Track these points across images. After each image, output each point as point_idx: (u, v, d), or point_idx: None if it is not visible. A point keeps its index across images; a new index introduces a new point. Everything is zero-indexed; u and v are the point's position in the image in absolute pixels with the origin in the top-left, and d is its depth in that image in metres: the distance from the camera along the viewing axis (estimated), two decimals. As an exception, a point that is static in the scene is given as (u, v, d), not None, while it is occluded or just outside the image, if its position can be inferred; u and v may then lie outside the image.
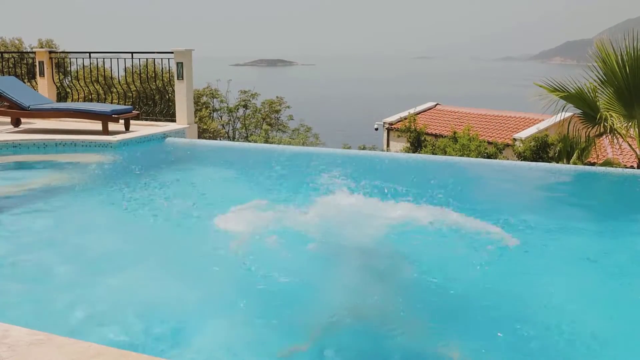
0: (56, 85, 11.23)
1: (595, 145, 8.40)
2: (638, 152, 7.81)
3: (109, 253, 4.43)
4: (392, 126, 23.17)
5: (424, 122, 17.38)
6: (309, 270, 4.23)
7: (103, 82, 13.10)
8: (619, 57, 7.32)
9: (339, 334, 3.28)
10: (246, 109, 25.35)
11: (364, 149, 16.97)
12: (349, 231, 4.87)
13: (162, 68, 11.35)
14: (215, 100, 24.95)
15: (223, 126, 24.65)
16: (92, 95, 11.94)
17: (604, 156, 9.98)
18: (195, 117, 15.29)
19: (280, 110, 25.61)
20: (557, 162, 8.77)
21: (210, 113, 23.60)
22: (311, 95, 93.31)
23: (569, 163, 8.35)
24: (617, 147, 8.07)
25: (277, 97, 25.90)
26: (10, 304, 3.49)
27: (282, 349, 3.07)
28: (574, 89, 7.80)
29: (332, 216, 5.18)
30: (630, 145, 7.91)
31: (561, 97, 7.85)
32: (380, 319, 3.48)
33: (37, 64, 10.90)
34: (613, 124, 7.49)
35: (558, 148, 9.39)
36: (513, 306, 3.64)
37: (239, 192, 6.44)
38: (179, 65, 9.65)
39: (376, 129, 24.93)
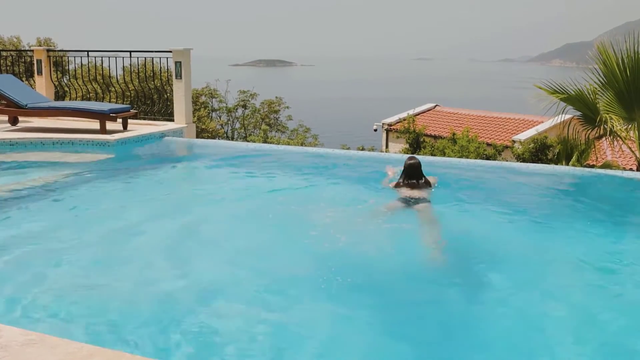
0: (54, 84, 11.19)
1: (594, 147, 8.38)
2: (637, 155, 7.79)
3: (102, 253, 4.40)
4: (391, 127, 23.15)
5: (423, 123, 17.33)
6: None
7: (101, 80, 13.06)
8: (620, 60, 7.29)
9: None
10: (245, 109, 25.35)
11: (362, 149, 16.95)
12: None
13: (161, 67, 11.32)
14: (214, 100, 24.94)
15: (222, 126, 24.64)
16: (90, 94, 11.91)
17: (604, 159, 9.98)
18: (194, 116, 15.24)
19: (279, 110, 25.62)
20: (556, 164, 8.74)
21: (209, 113, 23.58)
22: (310, 95, 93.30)
23: (568, 165, 8.32)
24: (617, 149, 8.05)
25: (276, 97, 25.89)
26: None
27: None
28: (574, 91, 7.77)
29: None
30: (630, 147, 7.88)
31: (561, 99, 7.81)
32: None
33: (35, 62, 10.87)
34: (613, 127, 7.46)
35: (557, 150, 9.36)
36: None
37: (235, 191, 6.43)
38: (178, 64, 9.61)
39: (375, 130, 24.91)
